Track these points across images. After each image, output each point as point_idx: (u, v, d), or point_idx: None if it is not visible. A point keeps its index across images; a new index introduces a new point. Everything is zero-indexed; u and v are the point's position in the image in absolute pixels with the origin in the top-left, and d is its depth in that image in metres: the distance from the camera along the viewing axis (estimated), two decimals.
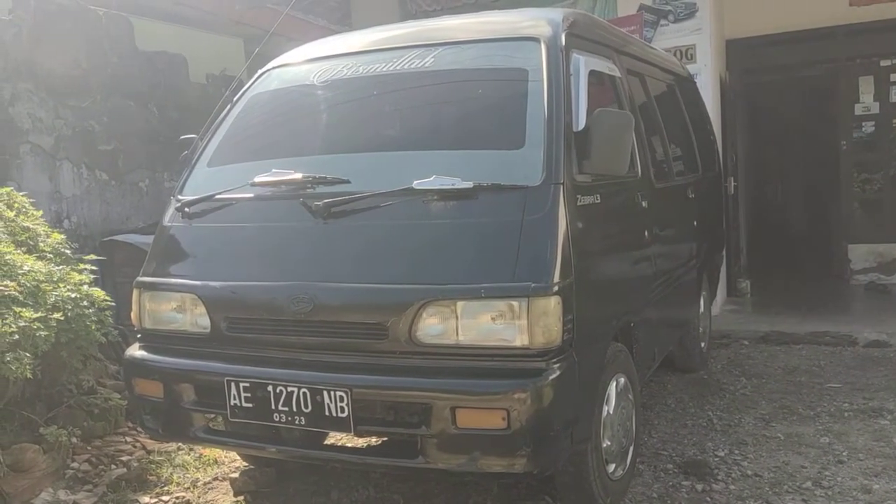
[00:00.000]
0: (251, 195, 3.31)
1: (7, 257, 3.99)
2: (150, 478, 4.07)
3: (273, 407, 2.96)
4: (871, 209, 8.73)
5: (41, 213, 4.86)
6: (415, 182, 2.96)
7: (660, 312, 4.22)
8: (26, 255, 4.21)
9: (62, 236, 4.72)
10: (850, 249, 8.57)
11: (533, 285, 2.74)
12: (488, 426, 2.72)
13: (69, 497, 3.80)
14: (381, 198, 3.02)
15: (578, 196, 3.03)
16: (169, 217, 3.49)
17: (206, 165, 3.60)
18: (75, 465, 4.09)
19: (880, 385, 5.14)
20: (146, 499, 3.86)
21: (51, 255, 4.49)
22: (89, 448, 4.25)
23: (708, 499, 3.56)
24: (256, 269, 3.16)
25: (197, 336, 3.20)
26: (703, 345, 5.66)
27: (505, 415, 2.69)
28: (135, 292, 3.40)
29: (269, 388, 2.95)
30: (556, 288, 2.78)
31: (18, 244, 4.33)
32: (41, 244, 4.48)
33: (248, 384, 2.99)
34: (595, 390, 3.17)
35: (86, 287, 4.33)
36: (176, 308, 3.26)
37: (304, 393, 2.90)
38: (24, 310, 3.74)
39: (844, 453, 4.00)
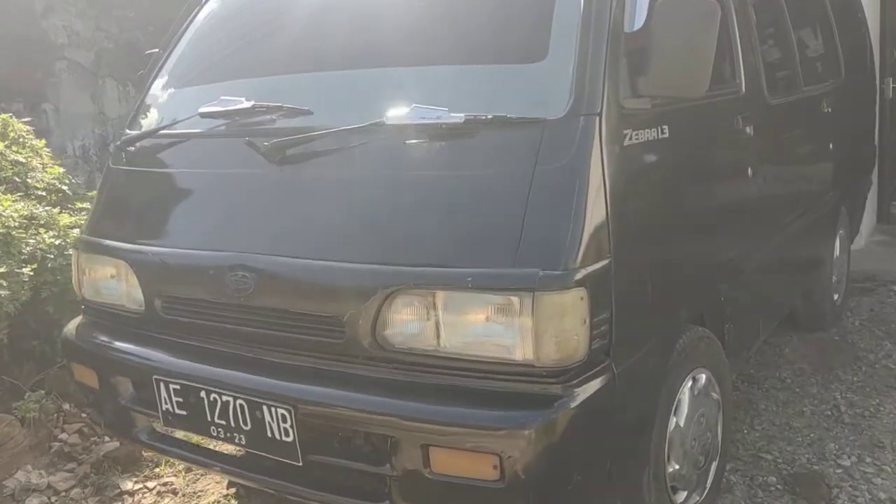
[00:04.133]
0: (199, 130, 2.51)
1: None
2: (144, 454, 3.52)
3: (209, 418, 2.23)
4: None
5: (43, 142, 4.29)
6: (387, 114, 2.06)
7: (769, 271, 3.17)
8: (4, 196, 3.64)
9: (61, 170, 4.14)
10: None
11: (542, 273, 1.83)
12: (473, 475, 1.88)
13: (42, 480, 3.30)
14: (344, 136, 2.15)
15: (627, 131, 2.04)
16: (113, 157, 2.76)
17: (162, 89, 2.82)
18: (64, 435, 3.59)
19: None
20: (129, 484, 3.31)
21: (43, 193, 3.93)
22: (84, 415, 3.74)
23: None
24: (194, 232, 2.40)
25: (133, 315, 2.50)
26: (836, 297, 4.49)
27: (496, 462, 1.84)
28: (73, 253, 2.73)
29: (203, 393, 2.22)
30: (578, 276, 1.85)
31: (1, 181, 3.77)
32: (30, 180, 3.90)
33: (178, 386, 2.27)
34: (653, 404, 2.25)
35: (76, 231, 3.75)
36: (113, 276, 2.56)
37: (241, 405, 2.15)
38: None
39: None
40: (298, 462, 2.10)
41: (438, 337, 1.95)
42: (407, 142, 2.06)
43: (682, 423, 2.44)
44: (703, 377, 2.56)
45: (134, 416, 2.54)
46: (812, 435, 3.30)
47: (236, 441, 2.21)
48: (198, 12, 2.94)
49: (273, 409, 2.08)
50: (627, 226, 2.01)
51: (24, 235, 3.48)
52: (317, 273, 2.08)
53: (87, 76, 5.87)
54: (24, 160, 3.98)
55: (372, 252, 2.03)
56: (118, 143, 2.72)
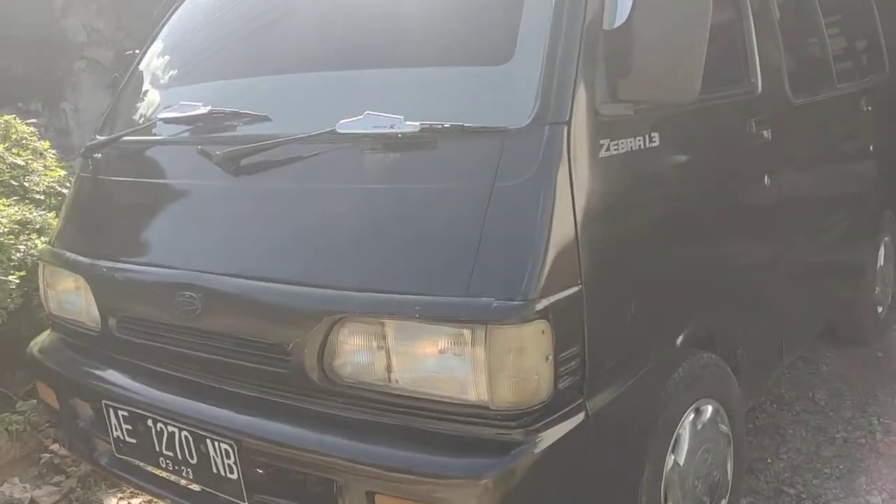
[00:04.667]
0: (159, 137, 2.37)
1: None
2: None
3: (157, 449, 2.08)
4: None
5: (47, 144, 4.21)
6: (339, 123, 1.87)
7: (793, 287, 2.87)
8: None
9: (62, 173, 4.05)
10: None
11: (496, 304, 1.61)
12: None
13: (25, 494, 3.21)
14: (296, 145, 1.97)
15: (604, 141, 1.81)
16: (81, 165, 2.63)
17: (134, 92, 2.67)
18: (55, 446, 3.50)
19: None
20: (114, 500, 3.20)
21: (41, 197, 3.84)
22: None
23: None
24: (147, 247, 2.25)
25: (91, 333, 2.36)
26: (880, 310, 4.15)
27: None
28: (39, 264, 2.61)
29: (150, 422, 2.07)
30: (539, 306, 1.63)
31: None
32: (27, 184, 3.81)
33: (126, 413, 2.12)
34: (642, 444, 2.01)
35: None
36: (73, 290, 2.43)
37: (186, 437, 1.99)
38: None
39: None
40: (244, 502, 1.93)
41: (389, 371, 1.76)
42: (360, 152, 1.87)
43: (681, 462, 2.19)
44: (708, 409, 2.31)
45: (94, 440, 2.41)
46: (842, 466, 3.01)
47: (184, 475, 2.05)
48: (173, 13, 2.79)
49: (217, 443, 1.92)
50: (604, 247, 1.79)
51: (13, 241, 3.39)
52: (260, 295, 1.90)
53: (106, 75, 5.80)
54: (22, 163, 3.90)
55: (319, 273, 1.85)
56: (83, 149, 2.59)
